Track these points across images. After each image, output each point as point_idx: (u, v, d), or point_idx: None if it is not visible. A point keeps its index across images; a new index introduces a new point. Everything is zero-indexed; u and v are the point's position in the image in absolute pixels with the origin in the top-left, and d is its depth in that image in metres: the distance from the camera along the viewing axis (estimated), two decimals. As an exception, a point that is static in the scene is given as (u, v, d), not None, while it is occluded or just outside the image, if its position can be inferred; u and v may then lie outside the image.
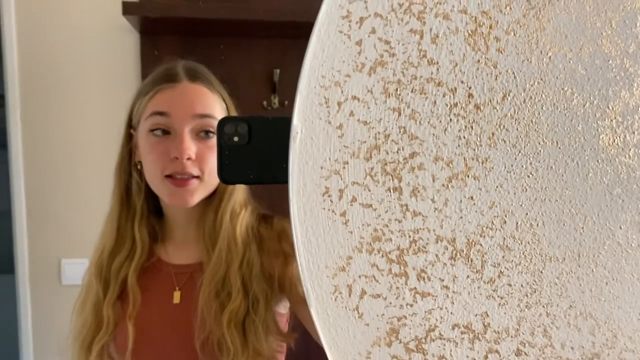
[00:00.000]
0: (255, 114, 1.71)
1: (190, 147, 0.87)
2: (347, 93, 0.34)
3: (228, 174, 0.40)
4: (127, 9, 1.41)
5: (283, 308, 0.98)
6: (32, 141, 1.78)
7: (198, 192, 0.90)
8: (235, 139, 0.39)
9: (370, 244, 0.35)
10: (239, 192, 0.96)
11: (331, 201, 0.35)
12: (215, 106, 0.92)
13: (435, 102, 0.35)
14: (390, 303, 0.35)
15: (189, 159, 0.87)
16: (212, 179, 0.91)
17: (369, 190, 0.35)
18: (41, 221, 1.81)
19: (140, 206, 0.95)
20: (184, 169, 0.87)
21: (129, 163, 0.95)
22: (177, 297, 0.93)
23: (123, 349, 0.91)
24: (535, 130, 0.36)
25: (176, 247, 0.98)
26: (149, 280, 0.95)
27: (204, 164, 0.89)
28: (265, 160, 0.39)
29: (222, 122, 0.40)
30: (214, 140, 0.90)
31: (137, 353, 0.90)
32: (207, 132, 0.89)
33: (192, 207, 0.91)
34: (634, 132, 0.36)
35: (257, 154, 0.39)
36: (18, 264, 1.85)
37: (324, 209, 0.35)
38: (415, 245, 0.35)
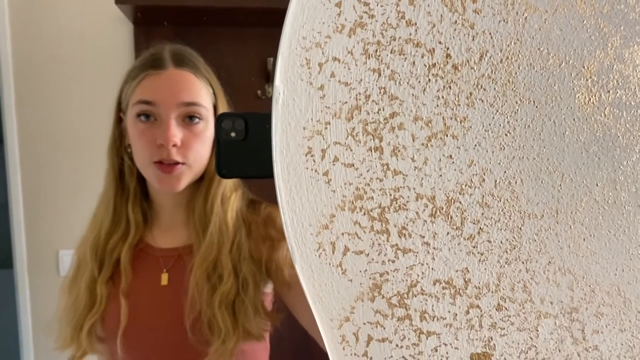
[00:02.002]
0: (249, 103, 1.72)
1: (176, 134, 0.88)
2: (327, 54, 0.35)
3: (226, 168, 0.41)
4: (119, -2, 1.41)
5: (268, 288, 0.99)
6: (27, 134, 1.79)
7: (184, 178, 0.91)
8: (233, 134, 0.40)
9: (353, 202, 0.36)
10: None
11: (314, 161, 0.36)
12: (201, 93, 0.92)
13: (414, 62, 0.36)
14: (373, 259, 0.36)
15: (174, 145, 0.88)
16: (197, 164, 0.92)
17: (351, 150, 0.36)
18: (38, 213, 1.82)
19: (133, 188, 0.96)
20: (170, 156, 0.88)
21: (120, 145, 0.97)
22: (164, 279, 0.94)
23: (112, 328, 0.92)
24: (512, 89, 0.36)
25: (162, 231, 1.00)
26: (137, 264, 0.96)
27: (189, 151, 0.90)
28: (262, 155, 0.40)
29: (220, 118, 0.41)
30: (199, 126, 0.91)
31: (126, 333, 0.91)
32: (192, 117, 0.91)
33: (179, 192, 0.93)
34: (609, 91, 0.37)
35: (253, 149, 0.40)
36: (16, 257, 1.86)
37: (307, 168, 0.36)
38: (396, 203, 0.36)
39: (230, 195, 0.97)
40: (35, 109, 1.76)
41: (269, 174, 0.37)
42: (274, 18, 1.68)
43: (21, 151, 1.78)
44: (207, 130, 0.92)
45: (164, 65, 0.91)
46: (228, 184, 0.97)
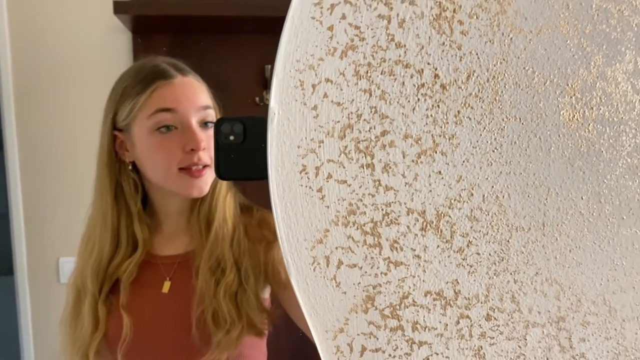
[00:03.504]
0: (247, 110, 1.73)
1: (202, 137, 0.90)
2: (320, 76, 0.37)
3: (224, 170, 0.43)
4: (118, 8, 1.43)
5: (265, 293, 1.01)
6: (27, 142, 1.80)
7: (210, 180, 0.94)
8: (231, 137, 0.42)
9: (346, 217, 0.37)
10: None
11: (308, 178, 0.37)
12: (208, 96, 0.96)
13: (403, 83, 0.37)
14: (366, 272, 0.38)
15: (203, 149, 0.90)
16: None
17: (344, 167, 0.37)
18: (38, 221, 1.83)
19: (137, 205, 0.97)
20: (200, 159, 0.90)
21: (118, 165, 0.97)
22: (166, 287, 0.96)
23: (116, 339, 0.93)
24: (499, 107, 0.38)
25: (164, 239, 1.01)
26: (140, 274, 0.97)
27: (211, 152, 0.92)
28: (259, 158, 0.41)
29: (219, 122, 0.42)
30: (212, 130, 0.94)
31: (128, 346, 0.92)
32: (206, 122, 0.93)
33: (187, 198, 0.95)
34: (592, 108, 0.38)
35: (251, 152, 0.42)
36: (17, 264, 1.87)
37: (302, 185, 0.37)
38: (388, 217, 0.38)
39: (226, 194, 0.99)
40: (35, 117, 1.77)
41: (267, 176, 0.38)
42: (271, 26, 1.69)
43: (21, 159, 1.80)
44: None
45: (172, 74, 0.93)
46: (224, 183, 0.99)
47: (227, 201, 0.98)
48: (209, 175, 0.93)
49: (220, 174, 0.43)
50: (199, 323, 0.90)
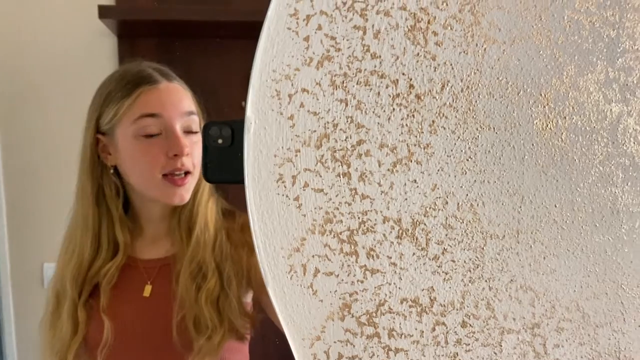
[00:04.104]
0: (234, 114, 1.73)
1: (186, 143, 0.90)
2: (297, 86, 0.37)
3: (212, 174, 0.43)
4: (103, 13, 1.42)
5: (248, 297, 1.02)
6: (11, 146, 1.78)
7: (191, 187, 0.94)
8: (220, 141, 0.42)
9: (323, 226, 0.38)
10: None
11: (285, 187, 0.38)
12: (193, 102, 0.96)
13: (379, 93, 0.37)
14: (342, 280, 0.38)
15: (186, 154, 0.90)
16: (197, 172, 0.95)
17: (320, 176, 0.38)
18: (22, 226, 1.82)
19: (119, 209, 0.97)
20: (183, 165, 0.90)
21: (100, 169, 0.97)
22: (147, 290, 0.95)
23: (96, 343, 0.92)
24: (473, 117, 0.38)
25: (146, 243, 1.01)
26: (121, 279, 0.97)
27: (194, 159, 0.93)
28: None
29: (208, 126, 0.43)
30: (197, 136, 0.94)
31: (108, 350, 0.92)
32: (189, 129, 0.94)
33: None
34: (565, 117, 0.39)
35: (239, 155, 0.42)
36: (0, 269, 1.85)
37: (278, 194, 0.38)
38: (364, 225, 0.38)
39: (208, 198, 0.99)
40: (19, 121, 1.76)
41: None
42: (257, 31, 1.69)
43: (5, 163, 1.78)
44: None
45: (157, 80, 0.93)
46: (207, 187, 0.99)
47: (208, 206, 0.99)
48: (191, 183, 0.94)
49: (208, 177, 0.43)
50: (180, 328, 0.90)
